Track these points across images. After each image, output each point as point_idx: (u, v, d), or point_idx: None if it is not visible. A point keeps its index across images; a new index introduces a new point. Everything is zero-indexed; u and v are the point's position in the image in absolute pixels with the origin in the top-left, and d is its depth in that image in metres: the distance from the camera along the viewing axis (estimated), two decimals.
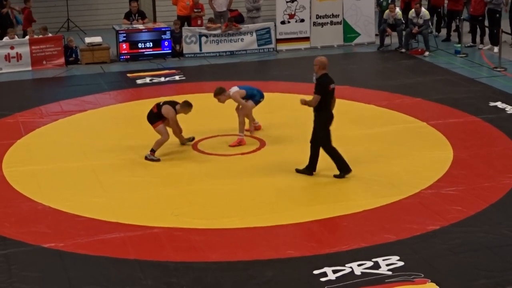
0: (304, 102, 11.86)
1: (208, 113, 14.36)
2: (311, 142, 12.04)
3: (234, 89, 13.79)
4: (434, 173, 12.06)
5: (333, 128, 14.33)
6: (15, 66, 19.59)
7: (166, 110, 13.11)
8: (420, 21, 20.64)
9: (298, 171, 12.16)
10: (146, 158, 12.94)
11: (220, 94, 13.70)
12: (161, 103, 13.27)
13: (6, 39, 20.02)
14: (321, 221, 10.49)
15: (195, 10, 21.78)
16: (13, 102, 16.56)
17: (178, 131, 13.49)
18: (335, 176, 11.97)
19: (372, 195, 11.31)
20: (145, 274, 9.14)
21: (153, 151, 12.98)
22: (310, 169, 12.10)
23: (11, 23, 21.89)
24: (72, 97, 17.02)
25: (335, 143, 13.49)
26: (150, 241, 10.00)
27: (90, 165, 12.76)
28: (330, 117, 11.87)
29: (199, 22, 21.79)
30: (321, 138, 11.91)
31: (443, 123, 14.44)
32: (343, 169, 11.96)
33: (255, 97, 13.91)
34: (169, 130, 13.27)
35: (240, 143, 13.57)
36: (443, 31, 22.71)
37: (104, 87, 17.96)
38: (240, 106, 13.80)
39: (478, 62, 19.87)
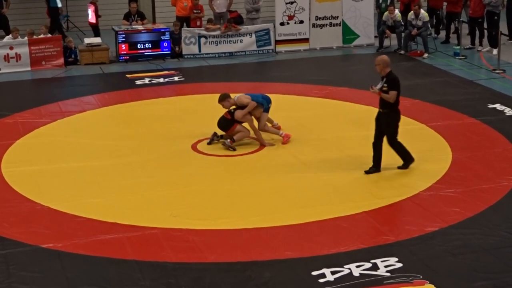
0: (378, 93, 11.96)
1: (207, 114, 14.36)
2: (375, 141, 12.25)
3: (239, 95, 13.75)
4: (433, 175, 12.07)
5: (332, 129, 14.42)
6: (14, 67, 19.60)
7: (239, 114, 13.46)
8: (419, 23, 20.66)
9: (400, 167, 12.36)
10: (224, 144, 13.30)
11: (223, 100, 13.64)
12: (232, 110, 13.52)
13: (8, 38, 20.01)
14: (320, 222, 10.50)
15: (195, 11, 21.79)
16: (12, 103, 16.56)
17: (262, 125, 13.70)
18: (400, 167, 12.24)
19: (370, 196, 11.32)
20: (144, 274, 9.14)
21: (233, 139, 13.32)
22: (377, 166, 12.27)
23: (59, 24, 22.18)
24: (71, 97, 17.02)
25: (333, 145, 13.55)
26: (149, 242, 10.00)
27: (89, 166, 12.76)
28: (398, 115, 12.09)
29: (198, 23, 21.80)
30: (391, 134, 12.09)
31: (442, 125, 14.45)
32: (407, 160, 12.24)
33: (263, 105, 13.79)
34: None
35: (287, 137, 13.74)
36: (442, 33, 22.74)
37: (103, 87, 17.96)
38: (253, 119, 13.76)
39: (477, 64, 19.89)
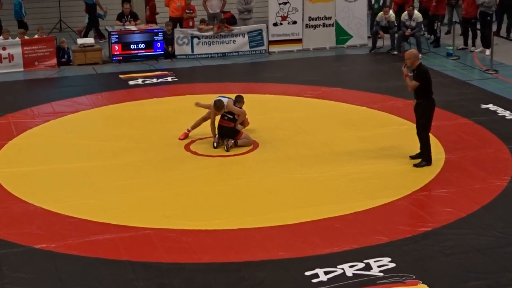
0: (406, 74, 12.44)
1: (200, 114, 14.34)
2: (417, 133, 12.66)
3: (225, 100, 13.72)
4: (426, 175, 12.10)
5: (325, 130, 14.43)
6: (7, 67, 19.54)
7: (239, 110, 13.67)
8: (413, 24, 20.68)
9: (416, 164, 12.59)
10: (226, 142, 13.38)
11: (222, 108, 13.55)
12: (225, 118, 13.60)
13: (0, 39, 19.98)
14: (313, 222, 10.51)
15: (187, 11, 21.78)
16: (5, 103, 16.52)
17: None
18: (414, 162, 12.55)
19: (364, 197, 11.33)
20: (137, 275, 9.13)
21: (236, 143, 13.45)
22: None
23: (97, 20, 22.15)
24: (64, 98, 16.99)
25: (327, 145, 13.56)
26: (142, 242, 10.00)
27: (82, 166, 12.74)
28: (433, 105, 12.49)
29: (190, 23, 21.78)
30: (420, 124, 12.50)
31: (435, 125, 14.38)
32: (426, 159, 12.50)
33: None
34: None
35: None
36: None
37: (96, 88, 17.93)
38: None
39: (470, 64, 19.92)
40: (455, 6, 22.66)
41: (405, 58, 12.55)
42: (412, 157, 12.65)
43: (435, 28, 21.83)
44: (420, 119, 12.48)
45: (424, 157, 12.54)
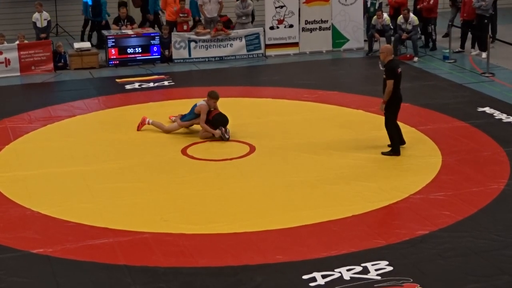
0: (384, 102, 12.92)
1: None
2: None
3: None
4: (423, 178, 12.10)
5: (322, 133, 14.43)
6: (4, 72, 19.50)
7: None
8: (409, 27, 20.70)
9: (384, 153, 13.22)
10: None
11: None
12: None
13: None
14: (310, 226, 10.51)
15: (181, 15, 21.77)
16: (2, 108, 16.50)
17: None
18: (383, 153, 13.17)
19: (361, 200, 11.33)
20: (134, 279, 9.13)
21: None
22: (401, 142, 13.32)
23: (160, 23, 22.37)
24: (60, 102, 16.98)
25: (323, 149, 13.56)
26: (139, 246, 9.99)
27: (79, 171, 12.74)
28: (399, 99, 13.04)
29: (185, 27, 21.78)
30: (387, 117, 13.12)
31: (432, 128, 14.49)
32: (394, 150, 13.14)
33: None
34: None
35: None
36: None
37: (93, 92, 17.92)
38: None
39: (466, 67, 19.94)
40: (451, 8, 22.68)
41: (379, 52, 13.05)
42: (384, 153, 13.19)
43: (429, 31, 21.83)
44: (386, 111, 13.04)
45: (392, 148, 13.16)
